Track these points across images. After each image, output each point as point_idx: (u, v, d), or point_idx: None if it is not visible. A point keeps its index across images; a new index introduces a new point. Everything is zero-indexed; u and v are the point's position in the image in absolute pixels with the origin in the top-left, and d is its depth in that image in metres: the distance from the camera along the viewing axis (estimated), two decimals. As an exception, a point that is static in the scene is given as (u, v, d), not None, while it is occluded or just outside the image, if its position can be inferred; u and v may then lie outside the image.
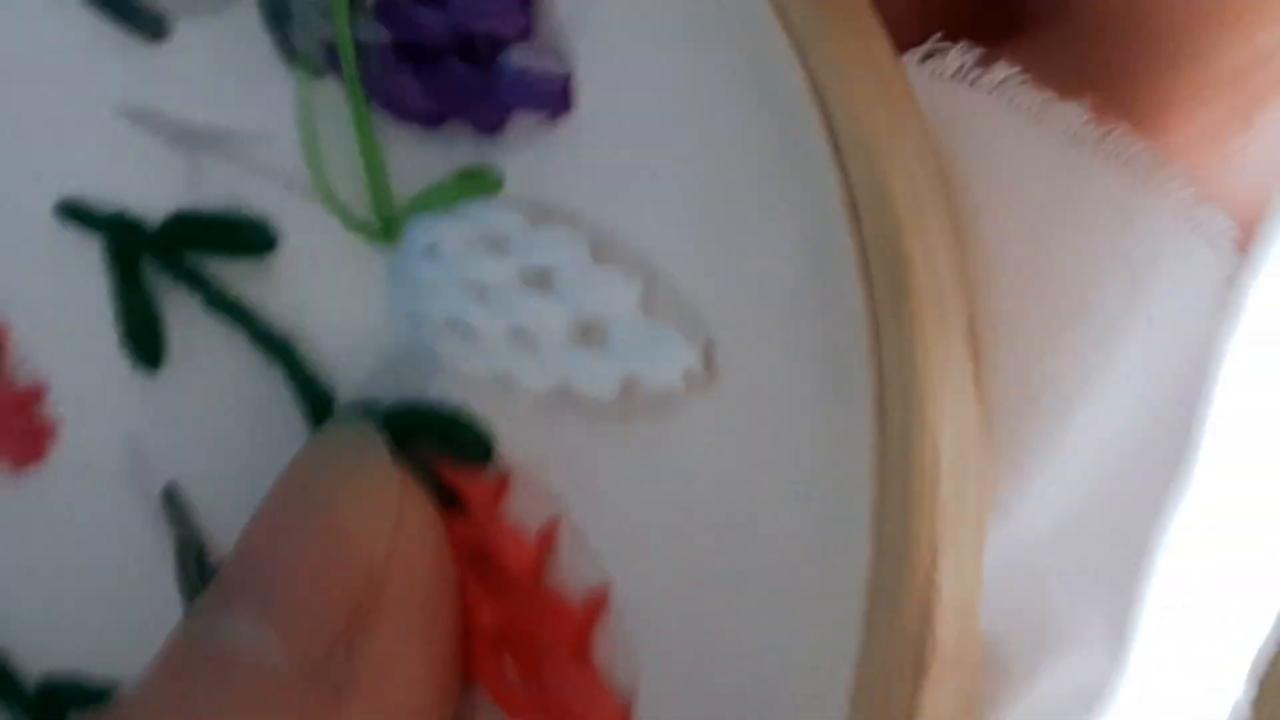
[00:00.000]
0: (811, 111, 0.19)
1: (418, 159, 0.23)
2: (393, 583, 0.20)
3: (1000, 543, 0.19)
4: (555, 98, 0.21)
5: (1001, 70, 0.19)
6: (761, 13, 0.19)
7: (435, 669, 0.21)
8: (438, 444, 0.22)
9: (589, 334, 0.21)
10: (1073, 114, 0.19)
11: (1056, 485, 0.19)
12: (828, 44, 0.19)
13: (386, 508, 0.21)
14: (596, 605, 0.20)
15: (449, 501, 0.22)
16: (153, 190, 0.25)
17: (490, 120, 0.22)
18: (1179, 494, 0.18)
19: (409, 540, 0.21)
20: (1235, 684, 0.20)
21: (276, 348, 0.24)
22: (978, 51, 0.19)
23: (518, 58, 0.22)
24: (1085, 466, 0.19)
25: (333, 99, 0.24)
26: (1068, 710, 0.19)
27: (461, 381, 0.22)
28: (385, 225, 0.23)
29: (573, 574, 0.21)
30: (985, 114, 0.19)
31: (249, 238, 0.24)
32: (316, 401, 0.23)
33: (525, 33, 0.22)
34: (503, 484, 0.22)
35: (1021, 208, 0.19)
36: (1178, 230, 0.19)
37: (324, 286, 0.24)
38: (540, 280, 0.21)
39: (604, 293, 0.20)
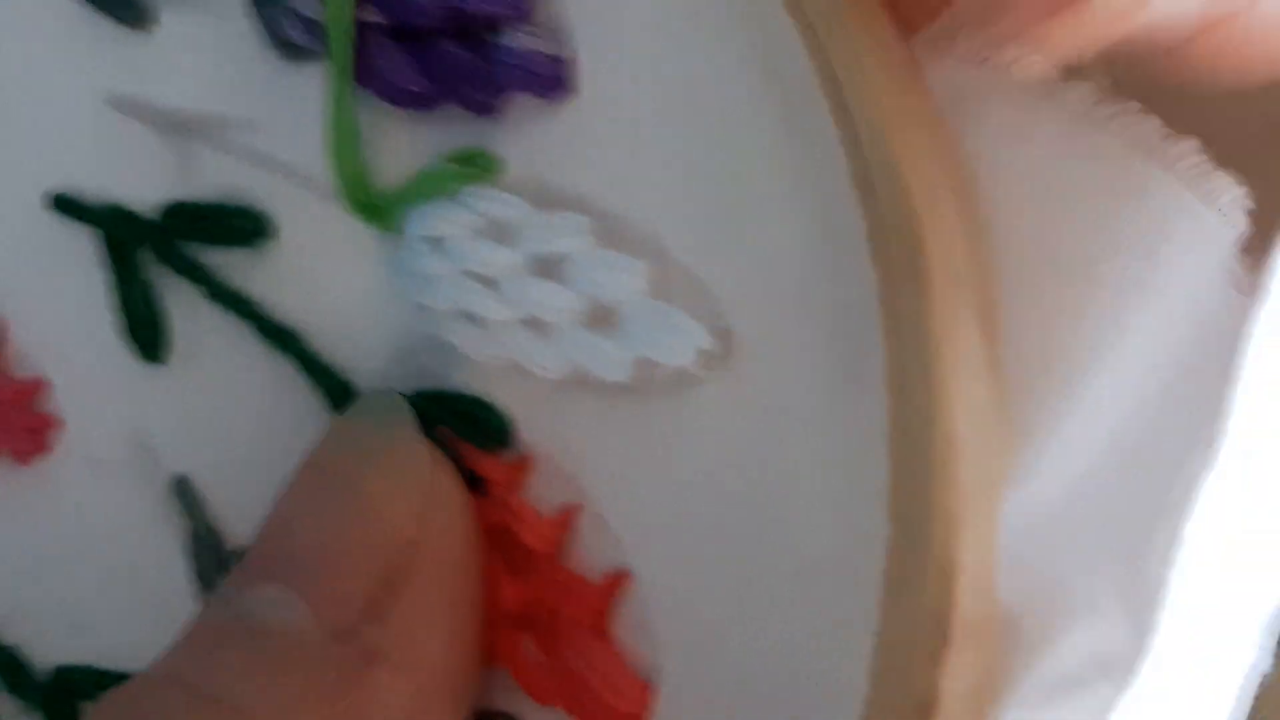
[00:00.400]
0: (820, 91, 0.19)
1: (410, 143, 0.23)
2: (422, 554, 0.20)
3: (1013, 513, 0.19)
4: (555, 81, 0.21)
5: (1010, 51, 0.19)
6: None
7: (462, 639, 0.21)
8: (458, 429, 0.22)
9: (600, 318, 0.21)
10: (1081, 93, 0.19)
11: (1069, 455, 0.19)
12: (834, 24, 0.19)
13: (417, 480, 0.21)
14: (616, 582, 0.21)
15: (470, 485, 0.22)
16: (145, 181, 0.25)
17: (487, 103, 0.22)
18: (1193, 463, 0.19)
19: (438, 513, 0.21)
20: (1256, 652, 0.20)
21: (283, 339, 0.24)
22: (988, 33, 0.19)
23: (516, 39, 0.22)
24: (1097, 436, 0.19)
25: (317, 83, 0.24)
26: (1086, 680, 0.19)
27: (476, 368, 0.22)
28: (378, 210, 0.23)
29: (593, 553, 0.21)
30: (994, 92, 0.19)
31: (247, 227, 0.24)
32: (336, 392, 0.23)
33: (523, 14, 0.22)
34: (523, 465, 0.22)
35: (1030, 182, 0.19)
36: (1187, 200, 0.19)
37: (326, 275, 0.24)
38: (549, 267, 0.21)
39: (613, 277, 0.20)
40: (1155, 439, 0.19)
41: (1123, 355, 0.19)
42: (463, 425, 0.22)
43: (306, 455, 0.22)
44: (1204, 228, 0.19)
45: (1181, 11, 0.19)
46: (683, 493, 0.20)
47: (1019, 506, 0.19)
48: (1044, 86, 0.19)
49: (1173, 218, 0.19)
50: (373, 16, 0.22)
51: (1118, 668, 0.19)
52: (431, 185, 0.22)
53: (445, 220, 0.22)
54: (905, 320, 0.18)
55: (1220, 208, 0.19)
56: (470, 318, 0.22)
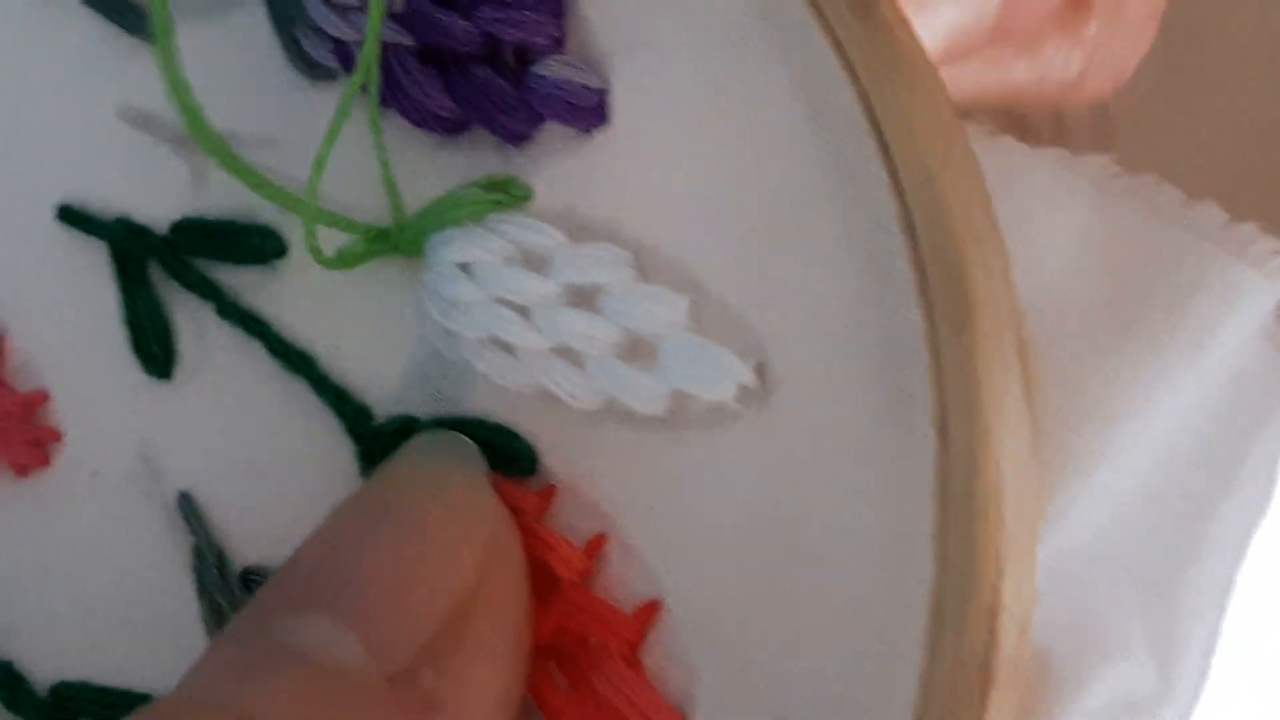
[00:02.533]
0: (866, 129, 0.19)
1: (435, 167, 0.23)
2: (482, 603, 0.20)
3: (1047, 555, 0.19)
4: (592, 111, 0.21)
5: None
6: (811, 32, 0.20)
7: (513, 690, 0.21)
8: (484, 458, 0.22)
9: (636, 350, 0.21)
10: (1102, 163, 0.20)
11: (1101, 501, 0.19)
12: (879, 64, 0.19)
13: (482, 527, 0.21)
14: (649, 611, 0.21)
15: None
16: (157, 195, 0.25)
17: (519, 130, 0.22)
18: (1223, 513, 0.19)
19: (499, 562, 0.21)
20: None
21: (295, 360, 0.24)
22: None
23: (550, 68, 0.22)
24: (1130, 484, 0.19)
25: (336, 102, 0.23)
26: None
27: (502, 396, 0.22)
28: (407, 237, 0.23)
29: (623, 582, 0.21)
30: (1017, 156, 0.20)
31: (259, 245, 0.24)
32: (353, 415, 0.23)
33: (557, 43, 0.22)
34: (549, 495, 0.22)
35: (1060, 242, 0.20)
36: (1215, 255, 0.19)
37: (338, 296, 0.24)
38: (585, 298, 0.21)
39: (652, 310, 0.20)
40: (1187, 488, 0.19)
41: (1156, 406, 0.19)
42: (488, 453, 0.22)
43: (366, 486, 0.22)
44: (1237, 283, 0.19)
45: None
46: (717, 525, 0.20)
47: (1051, 549, 0.19)
48: (1062, 156, 0.20)
49: (1201, 271, 0.19)
50: (402, 39, 0.22)
51: (1144, 709, 0.19)
52: (455, 210, 0.22)
53: (475, 246, 0.22)
54: (952, 362, 0.18)
55: (1254, 261, 0.19)
56: (500, 345, 0.22)
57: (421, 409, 0.23)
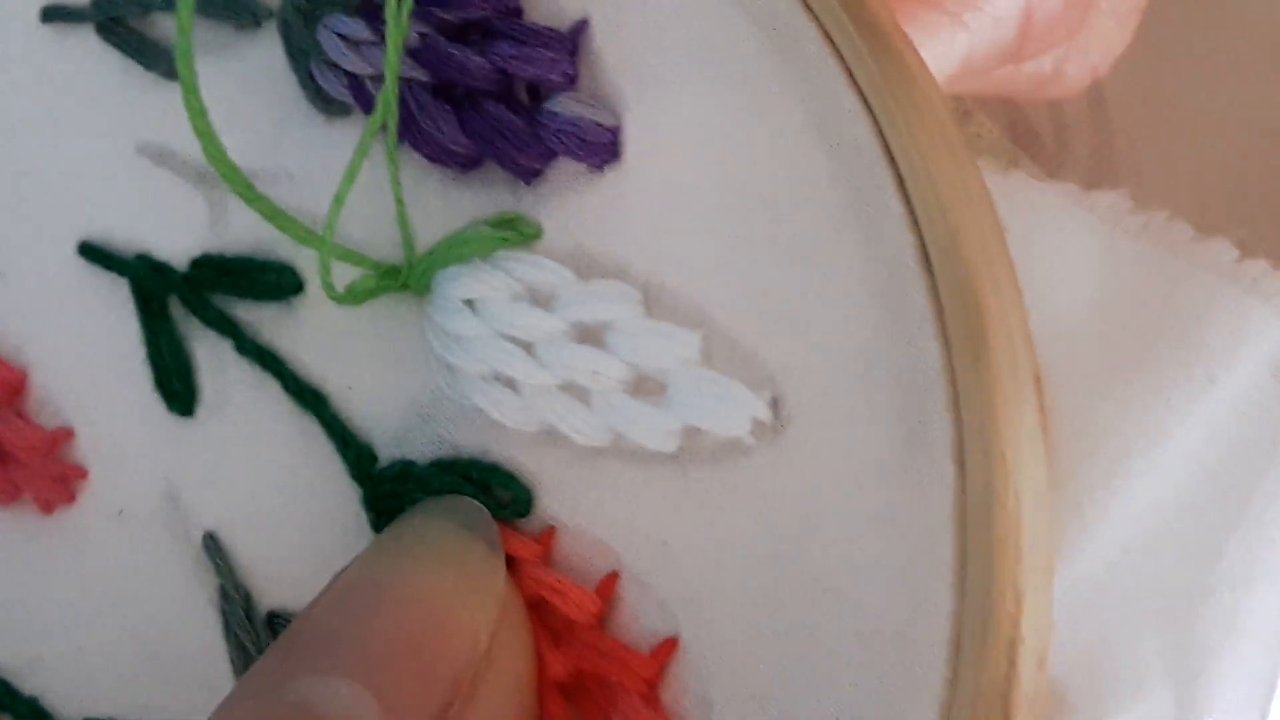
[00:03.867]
0: (883, 165, 0.19)
1: (447, 204, 0.23)
2: (493, 665, 0.20)
3: (1062, 587, 0.19)
4: (606, 148, 0.22)
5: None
6: (825, 67, 0.20)
7: None
8: (475, 498, 0.22)
9: (645, 386, 0.21)
10: (1112, 201, 0.20)
11: (1113, 531, 0.19)
12: (894, 98, 0.19)
13: (493, 592, 0.21)
14: (666, 649, 0.21)
15: None
16: (176, 231, 0.25)
17: (531, 166, 0.22)
18: (1236, 544, 0.19)
19: (509, 625, 0.21)
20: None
21: (308, 399, 0.24)
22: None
23: (562, 105, 0.22)
24: (1142, 516, 0.19)
25: (352, 138, 0.24)
26: None
27: (502, 434, 0.22)
28: (416, 274, 0.23)
29: (639, 620, 0.21)
30: (1029, 190, 0.20)
31: (276, 281, 0.24)
32: (356, 459, 0.23)
33: (571, 80, 0.22)
34: (549, 539, 0.22)
35: (1070, 272, 0.20)
36: (1225, 291, 0.19)
37: (350, 333, 0.24)
38: (592, 335, 0.21)
39: (662, 346, 0.20)
40: (1197, 521, 0.19)
41: (1167, 439, 0.19)
42: (483, 494, 0.22)
43: (378, 545, 0.22)
44: (1248, 318, 0.19)
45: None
46: (733, 560, 0.20)
47: (1066, 581, 0.19)
48: (1073, 193, 0.20)
49: (1212, 306, 0.19)
50: (417, 74, 0.23)
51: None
52: (463, 248, 0.22)
53: (480, 282, 0.22)
54: (969, 393, 0.18)
55: (1265, 296, 0.19)
56: (503, 381, 0.22)
57: (423, 452, 0.23)
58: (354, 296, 0.22)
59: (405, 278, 0.23)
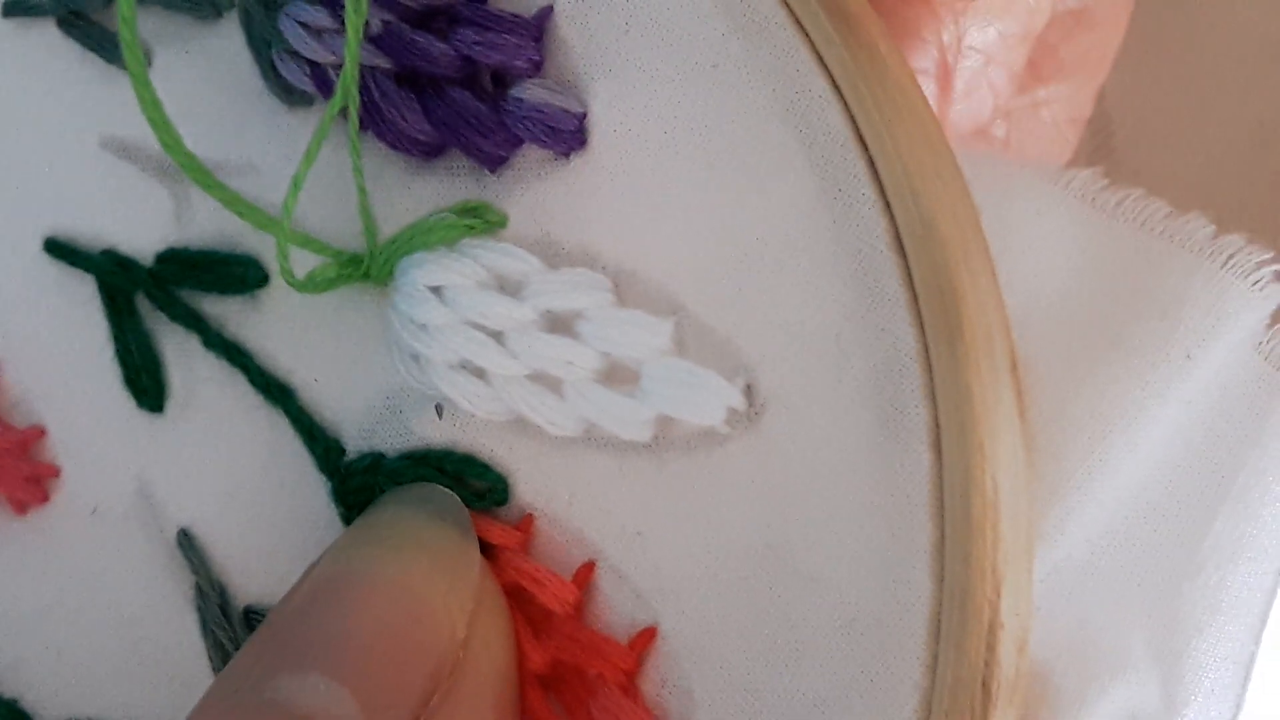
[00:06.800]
0: (854, 150, 0.19)
1: (411, 192, 0.23)
2: (471, 655, 0.20)
3: (1044, 569, 0.19)
4: (572, 135, 0.21)
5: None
6: (795, 52, 0.19)
7: None
8: (451, 488, 0.22)
9: (617, 375, 0.20)
10: (1088, 179, 0.20)
11: (1094, 512, 0.19)
12: (864, 83, 0.19)
13: (469, 581, 0.21)
14: (644, 639, 0.21)
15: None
16: (141, 225, 0.25)
17: (496, 154, 0.22)
18: (1219, 525, 0.19)
19: (486, 614, 0.20)
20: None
21: (275, 392, 0.23)
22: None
23: (528, 91, 0.21)
24: (1123, 497, 0.19)
25: (313, 127, 0.23)
26: None
27: (472, 425, 0.22)
28: (378, 262, 0.22)
29: (616, 610, 0.21)
30: (1003, 171, 0.20)
31: (241, 274, 0.24)
32: (323, 452, 0.23)
33: (536, 66, 0.22)
34: (528, 527, 0.21)
35: (1049, 256, 0.20)
36: (1203, 266, 0.19)
37: (316, 325, 0.23)
38: (562, 324, 0.21)
39: (634, 335, 0.20)
40: (1180, 501, 0.19)
41: (1147, 418, 0.19)
42: (457, 485, 0.22)
43: (347, 538, 0.21)
44: (1225, 294, 0.19)
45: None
46: (709, 549, 0.20)
47: (1047, 564, 0.19)
48: (1050, 172, 0.20)
49: (1189, 283, 0.19)
50: (380, 61, 0.22)
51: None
52: (427, 236, 0.22)
53: (446, 269, 0.21)
54: (944, 377, 0.18)
55: (1243, 273, 0.19)
56: (471, 369, 0.21)
57: (392, 444, 0.23)
58: (314, 285, 0.22)
59: (367, 266, 0.22)
